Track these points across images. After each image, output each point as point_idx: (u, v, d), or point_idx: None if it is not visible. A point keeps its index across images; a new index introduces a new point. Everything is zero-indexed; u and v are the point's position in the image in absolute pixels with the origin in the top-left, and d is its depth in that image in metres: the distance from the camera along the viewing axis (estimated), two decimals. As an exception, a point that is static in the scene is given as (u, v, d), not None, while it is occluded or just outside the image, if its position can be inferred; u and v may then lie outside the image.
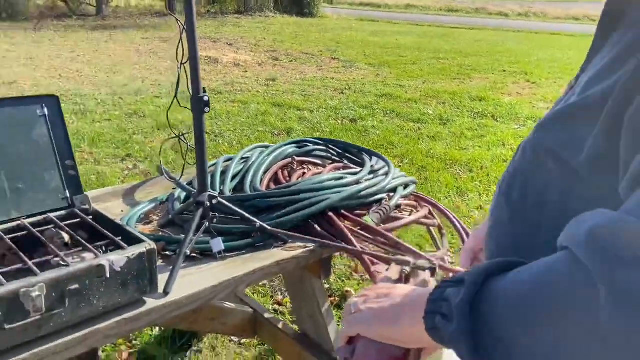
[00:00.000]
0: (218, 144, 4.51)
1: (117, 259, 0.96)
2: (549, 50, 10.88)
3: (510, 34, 14.24)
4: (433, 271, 0.80)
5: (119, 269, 0.97)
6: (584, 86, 0.60)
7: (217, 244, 1.21)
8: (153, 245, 1.02)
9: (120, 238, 1.04)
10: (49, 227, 1.10)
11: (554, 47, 11.54)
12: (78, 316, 0.93)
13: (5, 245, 1.06)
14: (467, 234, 1.43)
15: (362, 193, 1.44)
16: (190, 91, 1.15)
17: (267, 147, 1.82)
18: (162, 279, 1.07)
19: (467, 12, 22.36)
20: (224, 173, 1.63)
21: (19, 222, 1.09)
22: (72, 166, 1.20)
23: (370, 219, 1.36)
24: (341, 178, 1.48)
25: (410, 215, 1.47)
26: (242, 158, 1.75)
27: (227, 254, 1.23)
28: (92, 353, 1.00)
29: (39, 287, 0.87)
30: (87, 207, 1.18)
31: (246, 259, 1.23)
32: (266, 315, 1.61)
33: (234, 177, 1.62)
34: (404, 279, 0.79)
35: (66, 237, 1.07)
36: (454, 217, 1.51)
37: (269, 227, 1.27)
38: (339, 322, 1.86)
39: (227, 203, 1.25)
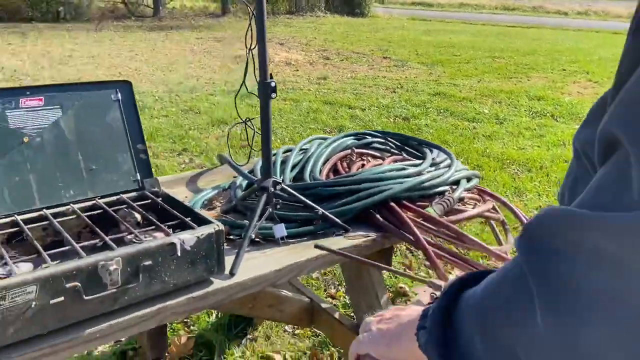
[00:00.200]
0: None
1: (187, 238, 0.99)
2: (611, 49, 10.38)
3: (569, 33, 13.69)
4: None
5: (189, 248, 0.99)
6: None
7: (280, 230, 1.22)
8: (221, 227, 1.03)
9: (189, 219, 1.06)
10: (122, 207, 1.14)
11: (617, 45, 10.99)
12: (150, 291, 0.96)
13: (82, 222, 1.11)
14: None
15: (425, 184, 1.41)
16: (258, 77, 1.16)
17: (325, 139, 1.82)
18: (227, 261, 1.08)
19: (523, 11, 21.68)
20: (283, 163, 1.65)
21: (94, 201, 1.14)
22: (143, 150, 1.24)
23: (433, 210, 1.33)
24: (403, 169, 1.46)
25: (473, 208, 1.43)
26: (300, 149, 1.75)
27: (289, 240, 1.24)
28: (162, 328, 1.03)
29: (116, 261, 0.90)
30: (156, 189, 1.21)
31: (308, 245, 1.23)
32: (323, 305, 1.61)
33: (293, 167, 1.63)
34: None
35: (138, 217, 1.11)
36: (520, 212, 1.46)
37: (330, 215, 1.27)
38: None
39: (290, 189, 1.26)
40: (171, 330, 2.01)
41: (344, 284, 2.47)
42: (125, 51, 9.16)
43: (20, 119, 1.09)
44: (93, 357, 1.90)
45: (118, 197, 1.17)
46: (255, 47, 1.13)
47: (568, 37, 12.66)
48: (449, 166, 1.55)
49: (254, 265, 1.13)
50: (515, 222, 1.53)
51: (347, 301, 2.30)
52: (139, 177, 1.22)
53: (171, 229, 1.03)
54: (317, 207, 1.26)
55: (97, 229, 1.01)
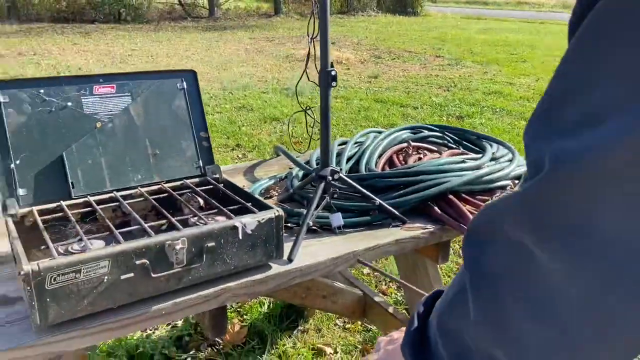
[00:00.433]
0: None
1: (249, 221, 1.01)
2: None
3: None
4: None
5: (250, 232, 1.01)
6: None
7: (337, 219, 1.23)
8: (281, 212, 1.05)
9: (250, 204, 1.08)
10: (186, 191, 1.18)
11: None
12: (212, 272, 0.98)
13: (148, 205, 1.15)
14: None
15: (485, 178, 1.38)
16: (318, 66, 1.17)
17: (380, 132, 1.81)
18: (285, 247, 1.10)
19: (584, 8, 20.70)
20: (338, 155, 1.65)
21: (160, 185, 1.18)
22: (206, 138, 1.27)
23: (493, 204, 1.30)
24: (462, 162, 1.43)
25: (536, 203, 1.38)
26: (356, 142, 1.75)
27: (345, 230, 1.24)
28: (222, 309, 1.06)
29: (182, 241, 0.93)
30: (217, 176, 1.24)
31: (365, 235, 1.22)
32: (376, 299, 1.60)
33: (348, 159, 1.63)
34: None
35: (201, 201, 1.14)
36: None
37: (387, 206, 1.26)
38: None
39: (348, 179, 1.26)
40: (225, 318, 2.06)
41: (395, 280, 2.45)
42: (181, 51, 9.45)
43: (93, 105, 1.14)
44: (151, 341, 1.97)
45: (182, 182, 1.21)
46: (317, 35, 1.14)
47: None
48: (511, 161, 1.50)
49: (311, 252, 1.14)
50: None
51: (399, 298, 2.28)
52: (201, 164, 1.25)
53: (233, 213, 1.06)
54: (374, 197, 1.25)
55: (163, 211, 1.05)
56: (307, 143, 1.71)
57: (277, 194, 1.46)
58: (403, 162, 1.58)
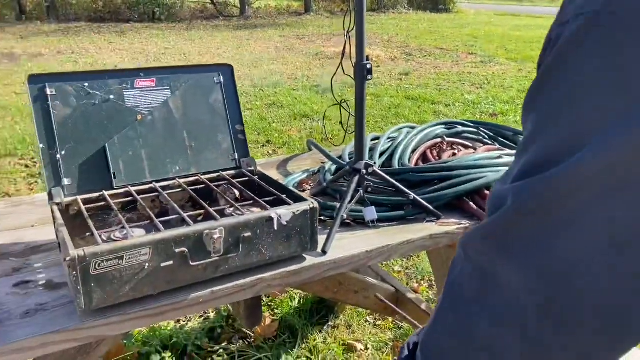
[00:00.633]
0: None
1: (284, 213, 1.02)
2: None
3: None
4: None
5: (285, 223, 1.02)
6: None
7: (371, 213, 1.23)
8: (316, 204, 1.05)
9: (285, 196, 1.09)
10: (222, 183, 1.20)
11: None
12: (248, 262, 1.00)
13: (185, 196, 1.17)
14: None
15: (521, 173, 1.35)
16: (353, 59, 1.17)
17: (413, 127, 1.79)
18: (318, 240, 1.10)
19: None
20: (371, 150, 1.65)
21: (197, 177, 1.20)
22: (241, 131, 1.29)
23: (530, 200, 1.28)
24: (499, 157, 1.41)
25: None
26: (389, 137, 1.74)
27: (379, 224, 1.24)
28: (257, 300, 1.07)
29: (219, 230, 0.94)
30: (252, 168, 1.26)
31: (399, 229, 1.22)
32: (409, 295, 1.60)
33: (381, 154, 1.62)
34: None
35: (237, 193, 1.16)
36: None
37: (422, 201, 1.25)
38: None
39: (382, 173, 1.26)
40: (256, 311, 2.08)
41: (427, 279, 2.43)
42: (213, 49, 9.58)
43: (134, 98, 1.17)
44: (184, 332, 2.01)
45: (218, 174, 1.23)
46: (353, 28, 1.14)
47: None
48: (548, 156, 1.47)
49: (345, 245, 1.14)
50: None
51: (431, 296, 2.26)
52: (236, 157, 1.27)
53: (268, 205, 1.07)
54: (409, 191, 1.25)
55: (201, 201, 1.07)
56: (336, 140, 1.71)
57: (309, 188, 1.47)
58: (437, 158, 1.57)
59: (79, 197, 1.07)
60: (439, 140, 1.66)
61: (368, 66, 1.17)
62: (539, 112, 0.50)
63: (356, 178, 1.21)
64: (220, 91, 1.27)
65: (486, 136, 1.77)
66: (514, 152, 1.53)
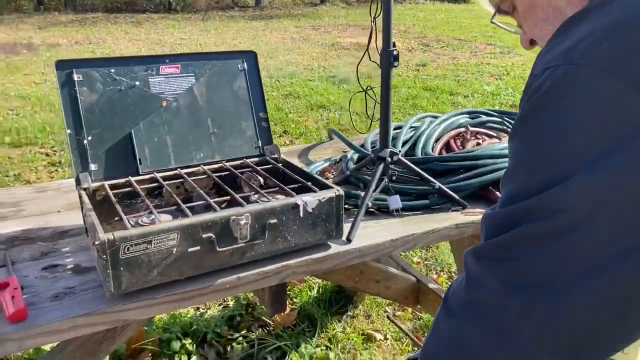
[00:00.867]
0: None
1: (310, 200, 1.01)
2: None
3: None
4: None
5: (311, 210, 1.01)
6: None
7: (395, 201, 1.21)
8: (341, 192, 1.05)
9: (310, 183, 1.09)
10: (246, 170, 1.19)
11: None
12: (274, 249, 1.00)
13: (209, 183, 1.17)
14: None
15: (548, 163, 1.33)
16: (379, 46, 1.15)
17: (436, 117, 1.77)
18: (343, 228, 1.10)
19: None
20: (394, 139, 1.63)
21: (221, 164, 1.20)
22: (265, 118, 1.29)
23: (558, 190, 1.25)
24: (524, 146, 1.39)
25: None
26: (411, 127, 1.73)
27: (403, 213, 1.23)
28: (282, 286, 1.07)
29: (246, 216, 0.94)
30: (276, 156, 1.25)
31: (424, 218, 1.21)
32: (431, 286, 1.59)
33: (404, 143, 1.61)
34: None
35: (261, 180, 1.16)
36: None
37: (448, 190, 1.24)
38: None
39: (407, 162, 1.25)
40: (275, 300, 2.09)
41: (446, 270, 2.42)
42: (229, 39, 9.58)
43: (159, 84, 1.17)
44: (204, 319, 2.03)
45: (242, 161, 1.23)
46: (379, 14, 1.12)
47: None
48: (575, 146, 1.44)
49: (369, 233, 1.14)
50: None
51: (449, 286, 2.25)
52: (260, 144, 1.27)
53: (293, 192, 1.06)
54: (434, 180, 1.23)
55: (227, 188, 1.07)
56: (354, 131, 1.70)
57: (331, 176, 1.46)
58: (460, 147, 1.55)
59: (106, 183, 1.08)
60: (462, 129, 1.63)
61: (395, 52, 1.15)
62: (515, 152, 0.59)
63: (381, 166, 1.20)
64: (244, 78, 1.27)
65: (510, 126, 1.74)
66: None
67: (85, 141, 1.09)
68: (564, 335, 0.56)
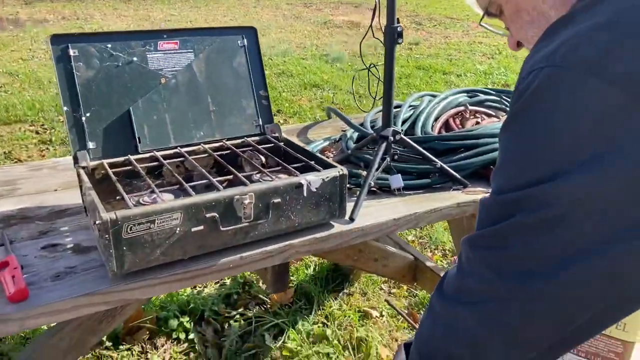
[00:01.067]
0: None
1: (313, 179, 1.00)
2: None
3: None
4: None
5: (314, 190, 1.01)
6: None
7: (397, 181, 1.21)
8: (345, 171, 1.04)
9: (313, 162, 1.08)
10: (247, 149, 1.18)
11: None
12: (277, 229, 0.99)
13: (210, 162, 1.16)
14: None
15: (549, 142, 1.33)
16: (382, 23, 1.13)
17: (434, 95, 1.76)
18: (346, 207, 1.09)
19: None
20: (394, 118, 1.62)
21: (221, 142, 1.18)
22: (265, 96, 1.27)
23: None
24: (525, 126, 1.38)
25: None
26: (410, 105, 1.71)
27: (405, 192, 1.23)
28: (285, 266, 1.07)
29: (250, 196, 0.93)
30: (277, 135, 1.24)
31: (425, 197, 1.21)
32: (428, 264, 1.59)
33: (403, 122, 1.60)
34: None
35: (263, 159, 1.14)
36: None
37: (449, 169, 1.23)
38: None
39: (409, 141, 1.24)
40: (272, 279, 2.09)
41: (440, 248, 2.43)
42: (219, 16, 9.42)
43: (158, 61, 1.15)
44: (201, 297, 2.03)
45: (243, 140, 1.21)
46: (383, -10, 1.10)
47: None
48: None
49: (372, 212, 1.13)
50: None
51: (445, 265, 2.27)
52: (261, 122, 1.25)
53: (297, 171, 1.05)
54: (436, 159, 1.23)
55: (229, 167, 1.05)
56: (347, 110, 1.68)
57: (332, 156, 1.45)
58: (460, 126, 1.54)
59: (105, 161, 1.06)
60: (461, 108, 1.62)
61: (399, 29, 1.13)
62: (505, 148, 0.62)
63: (383, 145, 1.19)
64: (244, 55, 1.24)
65: (509, 104, 1.73)
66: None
67: (82, 118, 1.06)
68: (553, 315, 0.60)
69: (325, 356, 1.75)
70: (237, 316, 1.95)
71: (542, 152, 0.57)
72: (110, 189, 1.01)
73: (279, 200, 0.97)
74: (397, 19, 1.13)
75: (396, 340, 1.86)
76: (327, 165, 1.06)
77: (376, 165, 1.16)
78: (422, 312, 1.98)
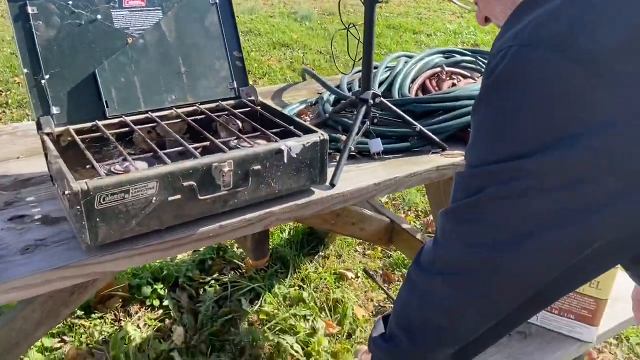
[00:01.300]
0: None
1: (294, 145, 0.97)
2: None
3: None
4: None
5: (295, 156, 0.98)
6: None
7: (376, 145, 1.19)
8: (326, 136, 1.01)
9: (292, 127, 1.04)
10: (222, 113, 1.13)
11: None
12: (257, 196, 0.96)
13: (182, 127, 1.11)
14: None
15: (526, 105, 1.33)
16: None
17: (411, 56, 1.73)
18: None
19: None
20: (369, 80, 1.58)
21: (195, 107, 1.13)
22: (240, 58, 1.21)
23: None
24: (502, 88, 1.37)
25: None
26: (386, 67, 1.68)
27: (384, 156, 1.21)
28: (265, 233, 1.05)
29: (229, 163, 0.90)
30: (253, 98, 1.19)
31: (405, 161, 1.20)
32: (404, 226, 1.61)
33: (380, 84, 1.57)
34: None
35: (239, 124, 1.10)
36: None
37: (428, 132, 1.22)
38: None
39: (389, 104, 1.21)
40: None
41: (413, 209, 2.46)
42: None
43: (123, 19, 1.07)
44: (174, 264, 2.00)
45: (217, 104, 1.16)
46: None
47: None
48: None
49: (352, 177, 1.12)
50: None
51: (417, 226, 2.30)
52: (235, 85, 1.20)
53: (276, 136, 1.02)
54: (415, 123, 1.21)
55: (205, 132, 1.01)
56: (320, 71, 1.63)
57: (308, 119, 1.42)
58: (437, 88, 1.53)
59: (71, 127, 1.00)
60: (438, 69, 1.60)
61: (379, -13, 1.09)
62: (478, 126, 0.64)
63: (363, 108, 1.16)
64: (216, 13, 1.18)
65: (484, 65, 1.72)
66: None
67: (43, 81, 0.99)
68: (525, 281, 0.64)
69: (302, 318, 1.77)
70: (212, 282, 1.94)
71: (513, 129, 0.59)
72: (78, 157, 0.96)
73: (258, 167, 0.94)
74: (378, -24, 1.08)
75: (371, 301, 1.89)
76: (307, 130, 1.03)
77: (356, 129, 1.14)
78: (396, 272, 2.01)
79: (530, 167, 0.58)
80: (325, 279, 1.95)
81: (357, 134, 1.16)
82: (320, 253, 2.08)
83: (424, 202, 2.48)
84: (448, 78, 1.59)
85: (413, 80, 1.57)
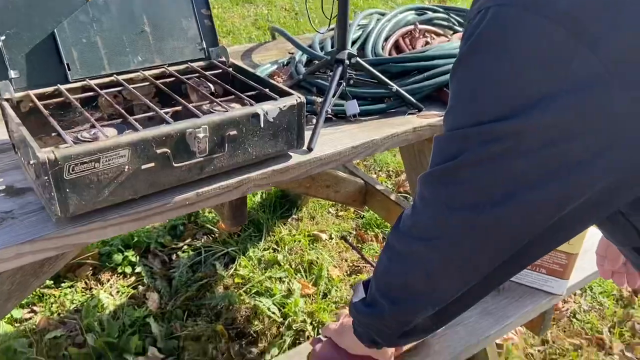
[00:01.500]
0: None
1: (270, 109, 0.94)
2: None
3: None
4: None
5: (272, 120, 0.95)
6: None
7: (352, 107, 1.17)
8: (303, 99, 0.98)
9: (267, 90, 1.01)
10: (193, 76, 1.08)
11: None
12: (234, 162, 0.94)
13: (151, 91, 1.06)
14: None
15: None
16: None
17: (383, 14, 1.69)
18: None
19: None
20: (341, 38, 1.54)
21: (162, 69, 1.08)
22: (208, 15, 1.15)
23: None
24: (477, 46, 1.36)
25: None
26: (358, 25, 1.64)
27: (360, 118, 1.20)
28: (242, 200, 1.03)
29: (204, 129, 0.86)
30: (224, 59, 1.15)
31: (381, 123, 1.18)
32: (378, 187, 1.61)
33: (352, 43, 1.53)
34: None
35: (212, 87, 1.06)
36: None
37: (405, 93, 1.21)
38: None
39: (365, 64, 1.19)
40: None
41: (384, 169, 2.47)
42: None
43: (82, -27, 0.99)
44: (145, 230, 1.97)
45: (186, 65, 1.11)
46: None
47: None
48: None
49: (329, 141, 1.10)
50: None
51: (389, 186, 2.32)
52: (205, 45, 1.14)
53: (251, 100, 0.99)
54: (392, 83, 1.19)
55: (176, 96, 0.96)
56: (285, 29, 1.58)
57: (281, 81, 1.38)
58: (410, 47, 1.50)
59: (31, 92, 0.94)
60: (411, 27, 1.57)
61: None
62: (456, 91, 0.64)
63: (339, 70, 1.13)
64: (182, -33, 1.11)
65: (456, 23, 1.70)
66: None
67: (-1, 43, 0.92)
68: (504, 241, 0.65)
69: (277, 280, 1.78)
70: (185, 247, 1.91)
71: (492, 92, 0.58)
72: (41, 124, 0.91)
73: (234, 132, 0.91)
74: None
75: (345, 261, 1.91)
76: (282, 93, 0.99)
77: (332, 91, 1.11)
78: (369, 233, 2.03)
79: (509, 129, 0.58)
80: (299, 241, 1.95)
81: (334, 96, 1.13)
82: (294, 216, 2.08)
83: (394, 162, 2.49)
84: (421, 36, 1.56)
85: (386, 39, 1.54)
